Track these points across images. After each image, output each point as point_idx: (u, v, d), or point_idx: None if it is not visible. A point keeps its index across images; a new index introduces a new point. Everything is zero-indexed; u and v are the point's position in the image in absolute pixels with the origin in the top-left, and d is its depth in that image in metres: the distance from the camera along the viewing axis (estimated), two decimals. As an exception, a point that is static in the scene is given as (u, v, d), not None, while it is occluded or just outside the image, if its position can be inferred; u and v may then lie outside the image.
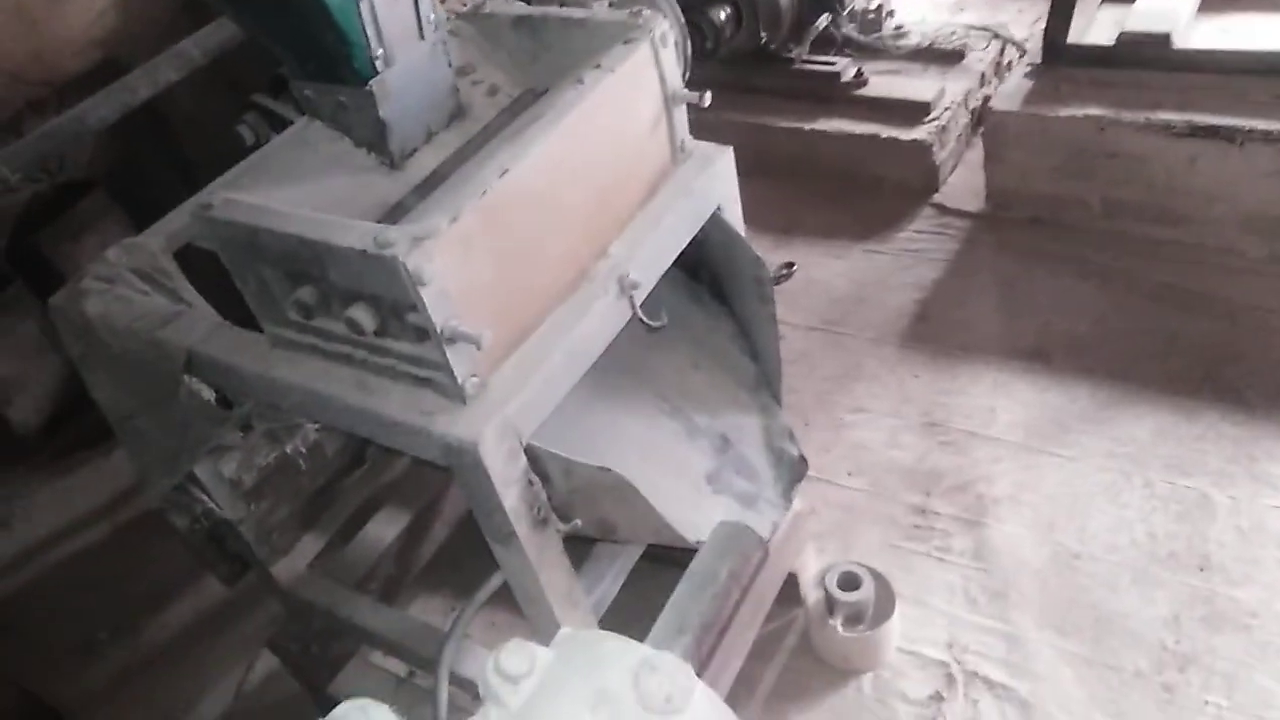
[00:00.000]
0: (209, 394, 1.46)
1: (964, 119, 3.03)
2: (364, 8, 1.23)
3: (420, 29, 1.34)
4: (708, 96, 1.39)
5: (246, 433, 1.70)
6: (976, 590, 1.99)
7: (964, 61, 3.12)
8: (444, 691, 1.07)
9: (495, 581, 1.38)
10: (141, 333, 1.43)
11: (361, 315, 1.14)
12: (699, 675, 0.76)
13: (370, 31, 1.27)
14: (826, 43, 3.15)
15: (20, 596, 2.57)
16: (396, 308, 1.12)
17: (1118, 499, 2.08)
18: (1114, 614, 1.89)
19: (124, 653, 2.35)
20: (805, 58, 3.11)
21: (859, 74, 3.06)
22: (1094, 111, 2.53)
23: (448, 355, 1.12)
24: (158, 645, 2.34)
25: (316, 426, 1.78)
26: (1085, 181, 2.62)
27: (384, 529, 2.01)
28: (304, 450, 1.81)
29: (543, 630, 1.31)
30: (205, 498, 1.67)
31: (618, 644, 0.74)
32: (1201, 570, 1.92)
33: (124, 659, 2.35)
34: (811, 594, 1.89)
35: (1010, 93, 2.67)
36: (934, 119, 2.92)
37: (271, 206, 1.20)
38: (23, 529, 2.74)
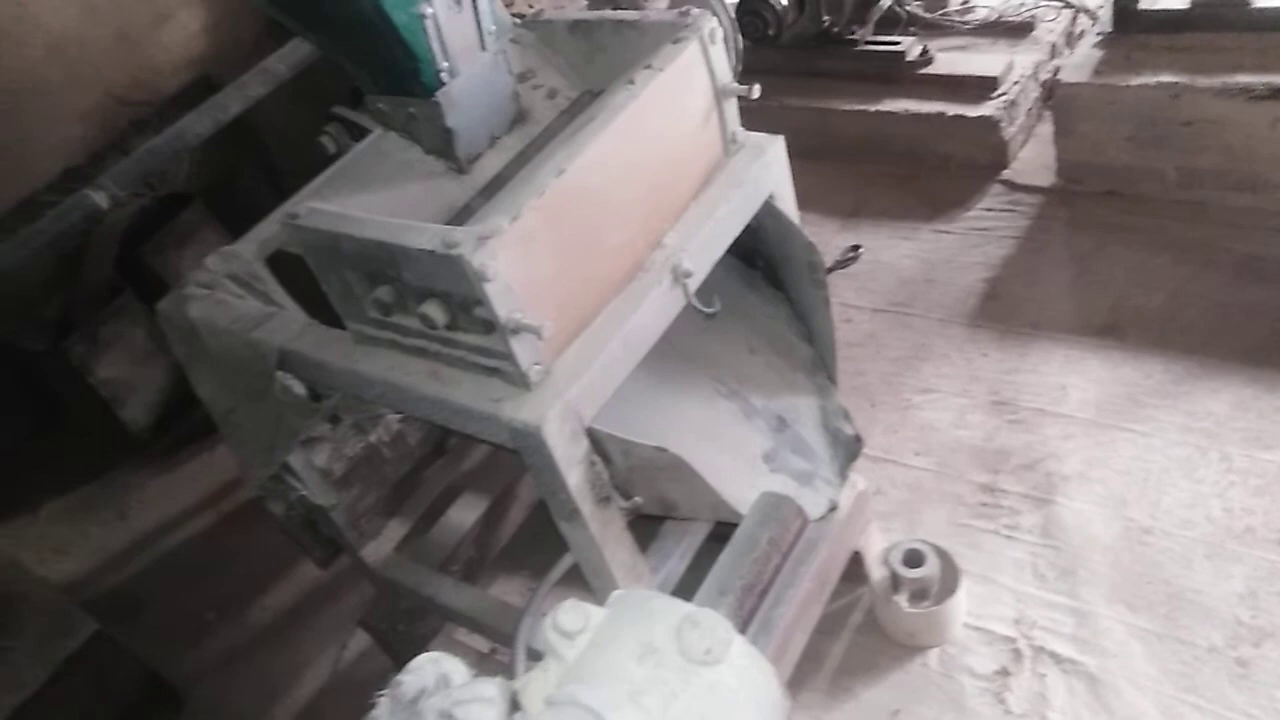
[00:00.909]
0: (300, 388, 1.57)
1: (1034, 92, 2.98)
2: (429, 25, 1.32)
3: (482, 41, 1.43)
4: (756, 89, 1.44)
5: (335, 425, 1.83)
6: (1045, 567, 1.99)
7: (1034, 33, 3.07)
8: (521, 665, 1.16)
9: (567, 562, 1.47)
10: (238, 333, 1.55)
11: (434, 311, 1.23)
12: (741, 632, 0.82)
13: (435, 47, 1.36)
14: (891, 22, 3.14)
15: (137, 581, 2.77)
16: (465, 303, 1.21)
17: (1193, 474, 2.05)
18: (1187, 590, 1.87)
19: (230, 632, 2.53)
20: (869, 38, 3.11)
21: (924, 52, 3.04)
22: (1168, 78, 2.47)
23: (512, 346, 1.20)
24: (261, 625, 2.51)
25: (398, 417, 1.90)
26: (1160, 151, 2.56)
27: (464, 514, 2.12)
28: (388, 440, 1.94)
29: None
30: (299, 486, 1.80)
31: (663, 602, 0.81)
32: (1281, 545, 1.88)
33: (231, 638, 2.52)
34: (876, 571, 1.92)
35: (1079, 63, 2.63)
36: (1002, 94, 2.89)
37: (350, 213, 1.30)
38: (137, 519, 2.96)
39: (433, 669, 0.82)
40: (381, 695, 0.82)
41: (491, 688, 0.81)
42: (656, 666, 0.75)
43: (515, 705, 0.81)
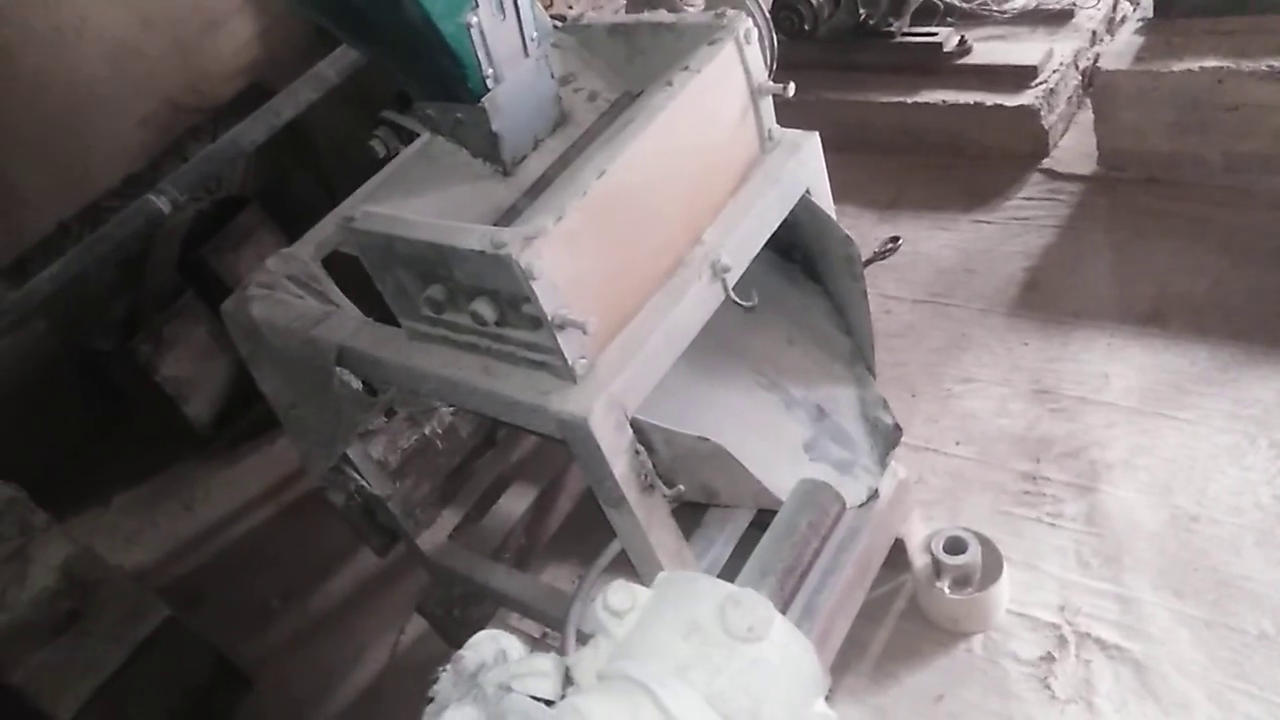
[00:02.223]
0: (357, 383, 1.65)
1: (1074, 80, 2.96)
2: (474, 33, 1.37)
3: (525, 47, 1.48)
4: (791, 88, 1.47)
5: (390, 418, 1.91)
6: (1089, 554, 1.99)
7: (1073, 20, 3.05)
8: (572, 648, 1.21)
9: (614, 548, 1.51)
10: (298, 332, 1.63)
11: (484, 308, 1.29)
12: (782, 612, 0.86)
13: (480, 54, 1.41)
14: (928, 13, 3.14)
15: (204, 570, 2.89)
16: (513, 300, 1.26)
17: (1241, 461, 2.04)
18: (1236, 577, 1.87)
19: (293, 618, 2.63)
20: (906, 30, 3.11)
21: (962, 42, 3.03)
22: (1211, 63, 2.44)
23: (558, 340, 1.25)
24: (322, 611, 2.61)
25: (450, 410, 1.97)
26: (1203, 137, 2.54)
27: (514, 503, 2.18)
28: (440, 432, 2.01)
29: (655, 587, 1.43)
30: (358, 476, 1.88)
31: (708, 583, 0.85)
32: (1332, 532, 1.87)
33: (293, 624, 2.62)
34: (918, 558, 1.95)
35: (1120, 50, 2.61)
36: (1041, 82, 2.88)
37: (403, 216, 1.36)
38: (202, 511, 3.09)
39: (491, 645, 0.88)
40: (444, 670, 0.88)
41: (547, 662, 0.86)
42: (702, 643, 0.80)
43: (568, 680, 0.86)
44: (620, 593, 0.87)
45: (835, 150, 1.59)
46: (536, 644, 2.11)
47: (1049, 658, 1.87)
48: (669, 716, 0.75)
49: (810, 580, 1.67)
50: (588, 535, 2.18)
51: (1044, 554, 2.02)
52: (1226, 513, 1.97)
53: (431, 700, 0.87)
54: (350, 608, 2.58)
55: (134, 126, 3.25)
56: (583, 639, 1.31)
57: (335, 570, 2.65)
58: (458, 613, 2.13)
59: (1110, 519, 2.03)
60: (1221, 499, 1.99)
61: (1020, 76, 2.89)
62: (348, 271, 1.69)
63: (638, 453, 1.32)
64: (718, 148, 1.45)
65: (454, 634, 2.13)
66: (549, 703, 0.82)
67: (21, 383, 3.22)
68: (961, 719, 1.84)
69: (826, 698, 0.86)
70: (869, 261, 2.80)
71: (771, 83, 1.48)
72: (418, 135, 1.65)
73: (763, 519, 1.75)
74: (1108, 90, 2.63)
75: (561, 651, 0.92)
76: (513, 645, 0.91)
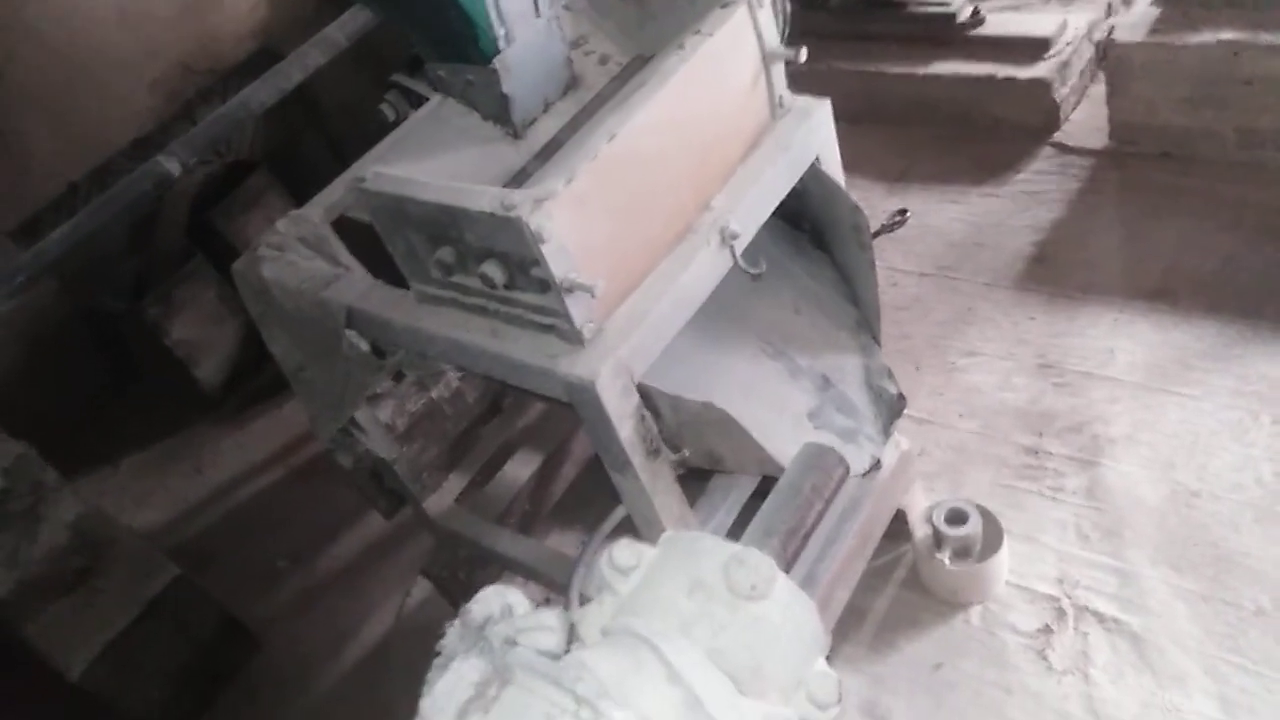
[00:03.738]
0: (366, 346, 1.66)
1: (1088, 53, 2.93)
2: (486, -7, 1.37)
3: (537, 8, 1.47)
4: (804, 53, 1.46)
5: (398, 382, 1.92)
6: (1089, 528, 2.01)
7: (1089, -8, 3.01)
8: (576, 611, 1.23)
9: (619, 514, 1.53)
10: (308, 293, 1.64)
11: (493, 271, 1.29)
12: (785, 572, 0.88)
13: (492, 13, 1.40)
14: (942, -17, 3.10)
15: (213, 531, 2.93)
16: (522, 263, 1.27)
17: (1243, 437, 2.04)
18: (1235, 552, 1.88)
19: (301, 579, 2.67)
20: (919, 1, 3.07)
21: (975, 13, 3.00)
22: (1227, 36, 2.42)
23: (567, 304, 1.26)
24: (329, 572, 2.64)
25: (457, 375, 1.98)
26: (1218, 111, 2.52)
27: (520, 469, 2.20)
28: (447, 397, 2.02)
29: (659, 551, 1.45)
30: (365, 439, 1.90)
31: (712, 542, 0.86)
32: (1332, 508, 1.88)
33: (301, 585, 2.66)
34: (919, 529, 1.96)
35: (1135, 22, 2.58)
36: (1054, 55, 2.85)
37: (414, 178, 1.37)
38: (211, 473, 3.11)
39: (498, 599, 0.89)
40: (451, 624, 0.90)
41: (552, 617, 0.88)
42: (705, 600, 0.81)
43: (573, 635, 0.87)
44: (626, 550, 0.88)
45: (845, 121, 1.59)
46: (544, 607, 2.13)
47: (1047, 629, 1.89)
48: (672, 671, 0.76)
49: (811, 549, 1.69)
50: (592, 502, 2.19)
51: (1044, 527, 2.04)
52: (1227, 489, 1.98)
53: (439, 654, 0.88)
54: (357, 570, 2.61)
55: (144, 89, 3.24)
56: (586, 603, 1.33)
57: (343, 532, 2.68)
58: (463, 576, 2.16)
59: (1111, 493, 2.04)
60: (1223, 475, 2.00)
61: (1033, 48, 2.87)
62: (356, 235, 1.70)
63: (644, 417, 1.33)
64: (728, 113, 1.45)
65: (459, 597, 2.16)
66: (554, 657, 0.83)
67: (32, 344, 3.24)
68: (959, 688, 1.86)
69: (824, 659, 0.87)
70: (877, 234, 2.79)
71: (784, 48, 1.47)
72: (428, 99, 1.65)
73: (766, 487, 1.76)
74: (1122, 63, 2.61)
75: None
76: (519, 600, 0.92)
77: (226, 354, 3.24)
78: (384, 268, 1.57)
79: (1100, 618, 1.88)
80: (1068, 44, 2.86)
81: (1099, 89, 2.83)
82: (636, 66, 1.57)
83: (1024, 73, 2.84)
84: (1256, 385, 2.11)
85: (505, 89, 1.47)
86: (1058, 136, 2.87)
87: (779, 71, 1.50)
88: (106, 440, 3.31)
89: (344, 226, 1.79)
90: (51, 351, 3.30)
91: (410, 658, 2.29)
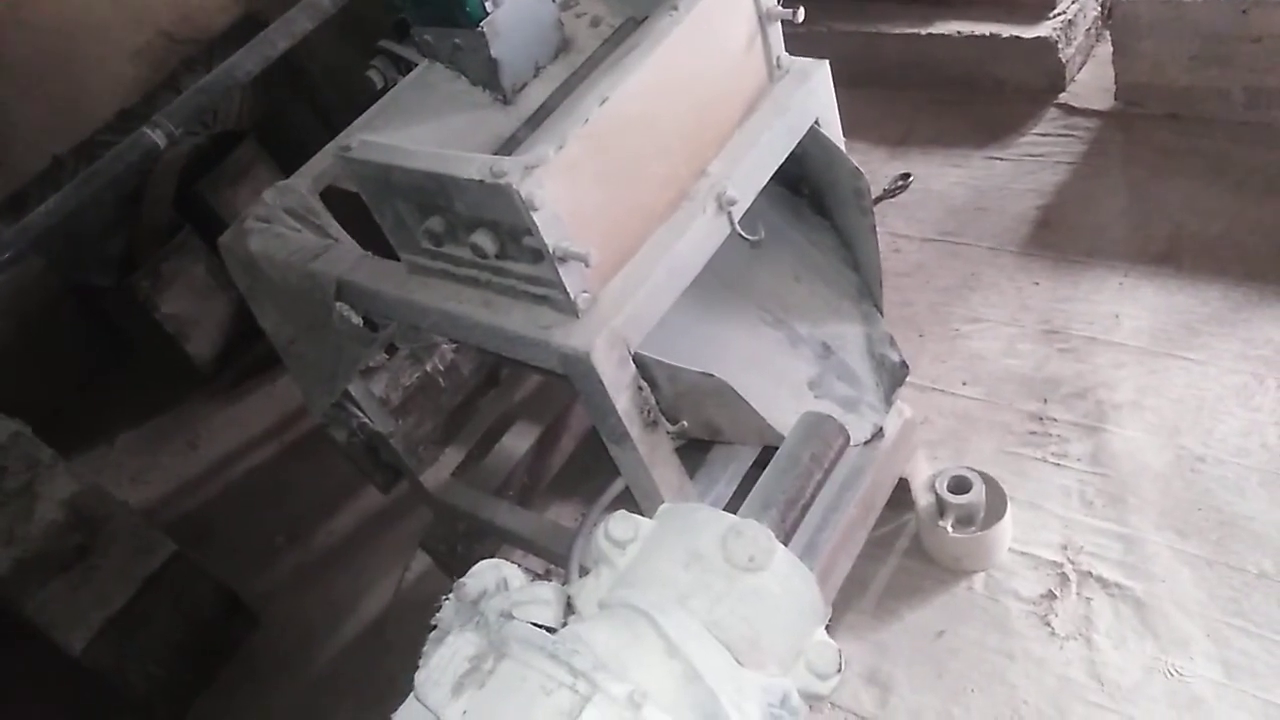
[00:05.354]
0: (357, 318, 1.63)
1: (1093, 11, 2.87)
2: (472, -48, 1.32)
3: (525, -32, 1.42)
4: (800, 12, 1.42)
5: (392, 355, 1.89)
6: (1093, 494, 1.99)
7: (1094, -52, 2.94)
8: (572, 584, 1.21)
9: (617, 486, 1.52)
10: (297, 265, 1.60)
11: (484, 240, 1.26)
12: (784, 543, 0.86)
13: (480, -27, 1.36)
14: (943, -59, 3.03)
15: (210, 507, 2.92)
16: (514, 232, 1.24)
17: (1249, 402, 2.02)
18: (1239, 517, 1.87)
19: (299, 554, 2.66)
20: (920, -41, 3.01)
21: (978, -29, 2.93)
22: (1237, -8, 2.36)
23: (560, 273, 1.23)
24: (327, 548, 2.63)
25: (452, 347, 1.96)
26: (1226, 70, 2.46)
27: (517, 442, 2.18)
28: (442, 370, 2.00)
29: (658, 523, 1.43)
30: (360, 413, 1.88)
31: (709, 513, 0.84)
32: (1338, 472, 1.86)
33: (298, 560, 2.65)
34: (922, 497, 1.95)
35: (1142, -21, 2.52)
36: (1059, 14, 2.79)
37: (401, 145, 1.33)
38: (206, 449, 3.10)
39: (493, 573, 0.87)
40: (446, 598, 0.88)
41: (548, 591, 0.86)
42: (703, 572, 0.79)
43: (570, 608, 0.85)
44: (622, 523, 0.86)
45: (845, 84, 1.54)
46: (539, 580, 2.13)
47: (1050, 595, 1.88)
48: (670, 644, 0.75)
49: (813, 518, 1.67)
50: (591, 474, 2.17)
51: (1048, 493, 2.02)
52: (1232, 453, 1.96)
53: (434, 629, 0.87)
54: (355, 544, 2.60)
55: (127, 58, 3.18)
56: (585, 575, 1.31)
57: (340, 507, 2.67)
58: (461, 549, 2.15)
59: (1116, 459, 2.02)
60: (1228, 440, 1.98)
61: (1038, 7, 2.80)
62: (345, 207, 1.66)
63: (641, 389, 1.30)
64: (724, 75, 1.41)
65: (457, 570, 2.14)
66: (550, 630, 0.81)
67: (21, 320, 3.21)
68: (961, 655, 1.85)
69: (826, 629, 0.85)
70: (878, 199, 2.75)
71: (780, 7, 1.43)
72: (416, 65, 1.60)
73: (766, 458, 1.74)
74: (1128, 21, 2.55)
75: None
76: (514, 574, 0.90)
77: (218, 328, 3.21)
78: (374, 239, 1.53)
79: (1104, 583, 1.86)
80: (1073, 2, 2.79)
81: (1105, 49, 2.77)
82: (629, 28, 1.53)
83: (1028, 32, 2.78)
84: (1262, 349, 2.08)
85: (494, 53, 1.43)
86: (1063, 98, 2.81)
87: (776, 32, 1.46)
88: (100, 417, 3.30)
89: (332, 197, 1.76)
90: (41, 329, 3.27)
91: (409, 632, 2.28)
